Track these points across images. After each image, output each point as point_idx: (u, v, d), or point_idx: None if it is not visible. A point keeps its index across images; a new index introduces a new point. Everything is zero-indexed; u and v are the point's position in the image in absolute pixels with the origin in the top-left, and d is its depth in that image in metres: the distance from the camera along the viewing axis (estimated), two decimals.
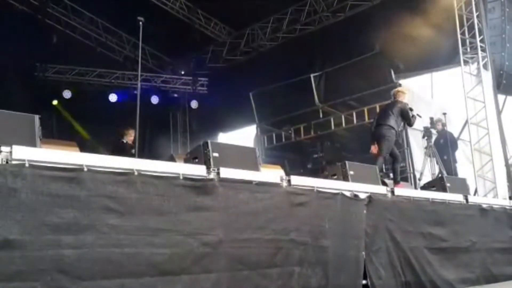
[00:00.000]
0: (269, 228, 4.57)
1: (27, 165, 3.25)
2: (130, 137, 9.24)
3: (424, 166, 10.71)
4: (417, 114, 8.26)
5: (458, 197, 7.24)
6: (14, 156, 3.26)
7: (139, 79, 7.22)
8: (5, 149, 3.27)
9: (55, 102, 13.61)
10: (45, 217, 3.24)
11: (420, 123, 11.38)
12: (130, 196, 3.70)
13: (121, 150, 8.48)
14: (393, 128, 7.77)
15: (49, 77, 13.85)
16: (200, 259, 3.99)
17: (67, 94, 13.69)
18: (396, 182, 7.77)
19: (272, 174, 5.38)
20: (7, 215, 3.09)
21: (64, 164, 3.46)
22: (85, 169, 3.52)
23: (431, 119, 11.06)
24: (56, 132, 12.50)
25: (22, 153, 3.30)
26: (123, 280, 3.49)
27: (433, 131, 11.03)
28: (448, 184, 7.47)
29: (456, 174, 10.60)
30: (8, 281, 3.01)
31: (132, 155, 8.58)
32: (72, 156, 3.61)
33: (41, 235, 3.20)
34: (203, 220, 4.09)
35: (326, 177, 6.24)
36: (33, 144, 3.78)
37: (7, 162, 3.22)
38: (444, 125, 11.09)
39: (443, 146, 10.89)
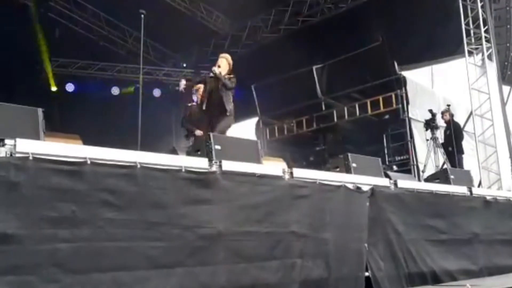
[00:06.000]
0: (268, 221, 4.54)
1: (30, 158, 3.25)
2: None
3: (427, 158, 10.65)
4: None
5: (462, 189, 7.20)
6: (18, 149, 3.26)
7: (141, 72, 7.24)
8: (9, 142, 3.26)
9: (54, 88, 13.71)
10: (44, 211, 3.24)
11: (423, 115, 11.36)
12: (130, 190, 3.69)
13: None
14: None
15: (52, 70, 13.84)
16: (196, 252, 3.98)
17: (70, 87, 13.74)
18: None
19: (274, 166, 5.37)
20: (7, 209, 3.09)
21: (68, 157, 3.45)
22: (88, 162, 3.51)
23: (433, 113, 10.92)
24: (59, 125, 12.51)
25: (26, 146, 3.30)
26: (116, 273, 3.49)
27: (441, 121, 10.89)
28: (452, 176, 7.41)
29: (461, 165, 10.53)
30: (2, 275, 3.01)
31: None
32: (76, 149, 3.61)
33: (38, 229, 3.20)
34: (202, 213, 4.08)
35: (328, 169, 6.22)
36: (37, 137, 3.78)
37: (11, 155, 3.22)
38: (451, 115, 11.00)
39: (450, 137, 10.81)
